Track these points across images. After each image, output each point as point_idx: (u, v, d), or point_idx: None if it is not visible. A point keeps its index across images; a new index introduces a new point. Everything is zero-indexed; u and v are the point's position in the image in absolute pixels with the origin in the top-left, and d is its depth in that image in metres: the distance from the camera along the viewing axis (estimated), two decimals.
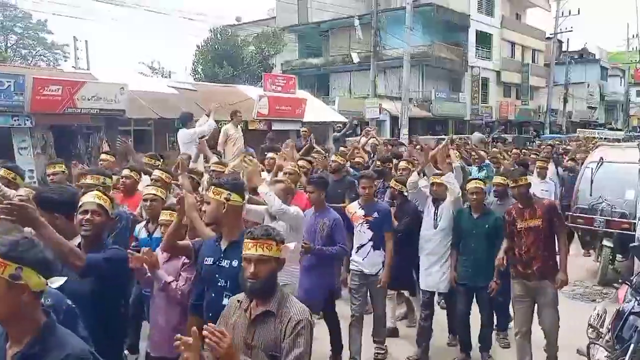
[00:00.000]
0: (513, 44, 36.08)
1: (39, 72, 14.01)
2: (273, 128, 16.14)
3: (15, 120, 11.68)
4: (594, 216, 7.51)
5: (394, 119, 23.36)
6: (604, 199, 7.49)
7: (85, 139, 13.36)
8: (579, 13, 35.03)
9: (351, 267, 5.03)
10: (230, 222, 2.91)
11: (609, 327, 3.92)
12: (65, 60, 35.36)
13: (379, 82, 22.57)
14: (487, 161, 8.38)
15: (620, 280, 4.30)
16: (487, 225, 4.88)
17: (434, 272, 5.00)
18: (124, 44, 64.32)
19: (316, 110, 19.52)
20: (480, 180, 5.23)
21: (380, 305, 5.04)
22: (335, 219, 4.67)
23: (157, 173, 5.08)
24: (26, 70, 14.01)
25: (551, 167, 8.52)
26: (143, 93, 14.66)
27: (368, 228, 4.87)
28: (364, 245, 4.89)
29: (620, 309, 3.81)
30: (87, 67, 25.20)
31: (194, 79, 24.54)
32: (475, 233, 4.87)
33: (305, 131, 9.58)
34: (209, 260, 2.94)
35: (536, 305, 4.58)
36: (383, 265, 4.86)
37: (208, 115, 8.51)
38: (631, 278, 4.04)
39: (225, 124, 9.23)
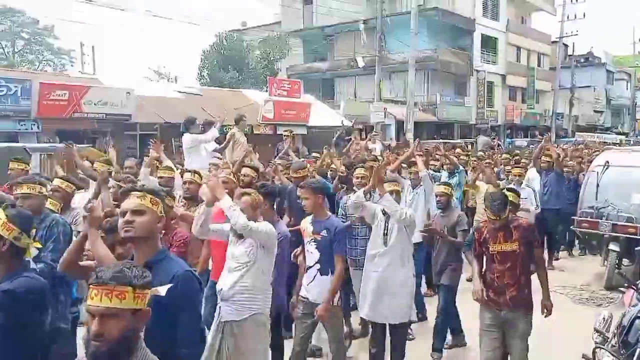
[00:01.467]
0: (519, 47, 36.00)
1: (46, 77, 14.13)
2: (278, 132, 16.18)
3: (22, 125, 11.81)
4: (600, 220, 7.47)
5: (399, 123, 23.34)
6: (610, 202, 7.44)
7: (92, 143, 13.44)
8: (584, 17, 34.97)
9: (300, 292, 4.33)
10: (155, 239, 2.42)
11: (615, 331, 3.89)
12: (72, 66, 35.64)
13: (384, 86, 22.56)
14: (460, 167, 8.25)
15: (626, 285, 4.24)
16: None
17: (386, 301, 4.29)
18: (130, 49, 64.72)
19: (321, 114, 19.57)
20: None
21: (334, 341, 4.25)
22: (284, 232, 4.26)
23: (56, 182, 4.50)
24: (33, 75, 14.13)
25: (532, 172, 8.84)
26: (149, 98, 14.77)
27: (315, 248, 4.13)
28: (311, 267, 4.17)
29: (626, 313, 3.78)
30: (93, 72, 25.37)
31: (200, 84, 24.64)
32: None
33: (287, 135, 9.31)
34: None
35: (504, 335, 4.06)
36: None
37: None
38: (637, 282, 4.01)
39: (231, 128, 9.23)
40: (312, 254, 4.16)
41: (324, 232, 4.10)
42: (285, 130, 10.10)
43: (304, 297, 4.22)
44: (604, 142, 23.37)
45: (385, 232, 4.39)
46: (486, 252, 4.04)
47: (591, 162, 9.39)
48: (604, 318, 4.35)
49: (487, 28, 32.03)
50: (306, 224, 4.24)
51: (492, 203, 3.92)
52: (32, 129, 11.94)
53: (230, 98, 17.61)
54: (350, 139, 10.53)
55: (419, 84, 25.47)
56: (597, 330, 4.21)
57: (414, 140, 11.57)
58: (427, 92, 28.73)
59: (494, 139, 20.54)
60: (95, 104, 12.52)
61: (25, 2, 27.12)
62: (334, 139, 10.35)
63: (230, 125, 9.33)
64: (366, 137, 12.90)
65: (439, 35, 28.29)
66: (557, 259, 9.00)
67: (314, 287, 4.14)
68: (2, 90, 11.21)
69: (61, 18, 35.90)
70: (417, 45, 20.89)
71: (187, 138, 7.77)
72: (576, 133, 28.95)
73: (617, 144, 23.23)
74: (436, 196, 5.31)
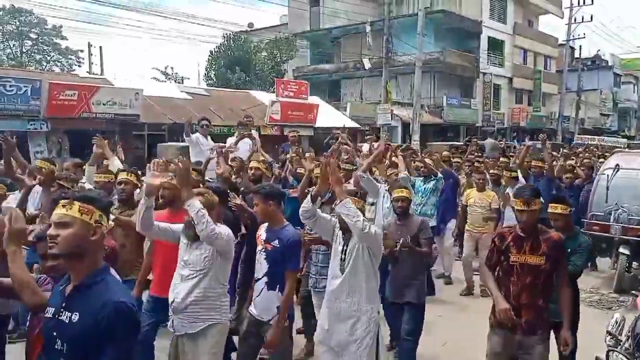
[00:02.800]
0: (525, 50, 35.92)
1: (55, 77, 14.22)
2: (285, 133, 16.21)
3: (31, 125, 11.88)
4: (610, 223, 7.44)
5: (406, 125, 23.33)
6: (620, 205, 7.41)
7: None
8: (591, 20, 34.86)
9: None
10: (91, 255, 2.04)
11: (629, 334, 3.87)
12: (80, 66, 35.83)
13: (390, 88, 22.55)
14: (439, 174, 7.21)
15: (639, 288, 4.22)
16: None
17: (342, 331, 3.59)
18: (138, 49, 65.05)
19: (327, 116, 19.59)
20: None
21: None
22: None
23: None
24: (42, 75, 14.22)
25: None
26: (157, 98, 14.84)
27: (264, 258, 3.68)
28: (259, 280, 3.70)
29: None
30: (100, 73, 25.51)
31: (207, 85, 24.73)
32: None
33: (293, 136, 8.99)
34: (49, 312, 2.06)
35: None
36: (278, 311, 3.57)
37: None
38: None
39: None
40: (261, 265, 3.69)
41: (275, 242, 3.63)
42: (291, 131, 10.05)
43: (251, 313, 3.75)
44: (609, 146, 22.41)
45: (344, 254, 3.59)
46: (505, 262, 3.50)
47: (590, 167, 9.20)
48: (616, 321, 4.32)
49: (493, 30, 31.97)
50: (261, 231, 3.78)
51: (523, 191, 3.51)
52: (41, 128, 12.02)
53: (237, 99, 17.67)
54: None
55: (425, 86, 25.45)
56: (609, 333, 4.19)
57: (409, 143, 11.31)
58: (433, 94, 28.71)
59: (500, 141, 20.45)
60: (104, 104, 12.59)
61: (33, 3, 27.18)
62: (326, 140, 9.90)
63: (234, 126, 9.33)
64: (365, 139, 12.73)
65: (445, 38, 28.27)
66: None
67: (260, 302, 3.67)
68: (12, 90, 11.29)
69: (69, 18, 36.25)
70: (424, 47, 20.89)
71: (193, 136, 7.83)
72: (575, 135, 28.14)
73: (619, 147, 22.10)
74: (395, 201, 4.66)
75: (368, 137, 12.39)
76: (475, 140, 15.73)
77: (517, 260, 3.47)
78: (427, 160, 7.34)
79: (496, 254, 3.59)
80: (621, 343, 4.01)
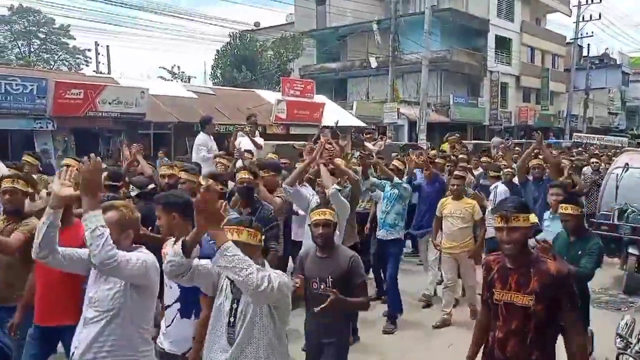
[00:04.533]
0: (533, 48, 35.68)
1: (61, 76, 14.26)
2: (291, 132, 16.18)
3: (37, 124, 11.91)
4: (619, 223, 7.34)
5: (412, 124, 23.24)
6: (629, 205, 7.31)
7: (106, 142, 13.55)
8: (600, 18, 34.58)
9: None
10: None
11: (639, 336, 3.80)
12: (87, 65, 35.99)
13: (397, 86, 22.48)
14: (396, 179, 6.09)
15: None
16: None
17: None
18: (145, 49, 65.32)
19: (334, 114, 19.52)
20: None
21: None
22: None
23: None
24: (48, 74, 14.26)
25: (502, 186, 7.44)
26: (163, 97, 14.85)
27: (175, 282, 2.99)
28: (170, 307, 3.11)
29: None
30: (108, 72, 25.61)
31: (213, 84, 24.75)
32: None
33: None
34: None
35: None
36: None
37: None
38: None
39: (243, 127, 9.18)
40: (171, 289, 3.07)
41: None
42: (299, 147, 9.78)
43: (160, 347, 3.09)
44: (610, 145, 20.87)
45: (233, 315, 2.59)
46: (490, 300, 2.76)
47: (579, 168, 8.86)
48: (626, 323, 4.24)
49: (501, 29, 31.78)
50: (167, 248, 2.91)
51: (502, 203, 2.75)
52: (47, 127, 12.04)
53: (243, 98, 17.66)
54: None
55: (432, 84, 25.34)
56: (619, 335, 4.11)
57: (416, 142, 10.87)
58: (440, 93, 28.58)
59: (507, 139, 20.29)
60: (110, 103, 12.60)
61: (41, 2, 27.32)
62: (314, 138, 9.60)
63: (241, 124, 9.30)
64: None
65: (452, 36, 28.12)
66: None
67: (172, 332, 3.06)
68: (18, 89, 11.32)
69: (77, 17, 36.45)
70: (431, 45, 20.79)
71: (200, 137, 7.76)
72: (574, 134, 26.62)
73: (620, 147, 19.77)
74: (313, 226, 3.43)
75: (368, 135, 12.30)
76: (456, 136, 15.22)
77: (501, 298, 2.68)
78: (397, 163, 6.44)
79: (486, 289, 2.83)
80: (631, 345, 3.94)
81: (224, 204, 2.69)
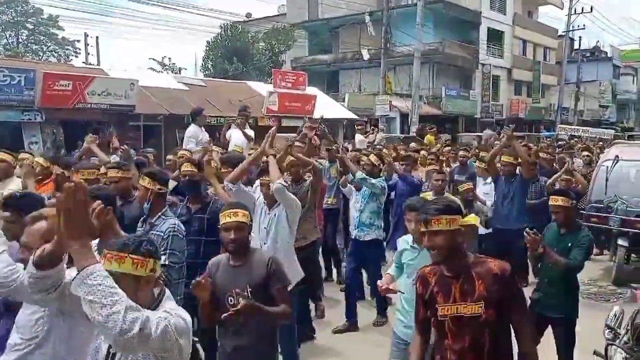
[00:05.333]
0: (525, 41, 35.74)
1: (49, 67, 14.08)
2: (283, 125, 16.12)
3: (25, 115, 11.76)
4: (609, 215, 7.38)
5: (404, 117, 23.23)
6: (619, 197, 7.35)
7: (96, 134, 13.40)
8: (591, 11, 34.68)
9: None
10: None
11: (628, 328, 3.82)
12: (76, 56, 35.57)
13: (389, 79, 22.43)
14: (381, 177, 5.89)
15: None
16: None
17: None
18: (135, 40, 64.74)
19: (326, 107, 19.46)
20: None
21: None
22: None
23: None
24: (36, 65, 14.07)
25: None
26: (153, 89, 14.72)
27: None
28: None
29: None
30: (97, 63, 25.36)
31: (204, 75, 24.58)
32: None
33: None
34: None
35: None
36: None
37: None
38: None
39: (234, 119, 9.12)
40: None
41: None
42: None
43: None
44: (596, 138, 20.49)
45: None
46: (434, 318, 2.42)
47: (550, 161, 8.48)
48: (615, 314, 4.27)
49: (493, 21, 31.79)
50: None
51: (426, 205, 2.45)
52: (35, 119, 11.89)
53: (235, 90, 17.53)
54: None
55: (424, 77, 25.33)
56: (608, 327, 4.14)
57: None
58: (432, 85, 28.58)
59: (499, 132, 20.35)
60: (99, 95, 12.46)
61: None
62: (298, 130, 9.42)
63: (232, 117, 9.22)
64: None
65: (445, 28, 28.08)
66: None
67: None
68: (6, 80, 11.15)
69: (66, 7, 35.94)
70: (423, 38, 20.75)
71: (190, 129, 7.71)
72: (559, 126, 26.13)
73: (607, 140, 19.55)
74: (223, 230, 2.97)
75: (359, 127, 12.23)
76: (429, 128, 14.91)
77: (447, 313, 2.35)
78: (373, 158, 5.97)
79: (422, 309, 2.50)
80: (620, 336, 3.96)
81: (101, 209, 2.27)
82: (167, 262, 3.21)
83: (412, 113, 20.41)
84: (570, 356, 3.89)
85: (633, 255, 7.56)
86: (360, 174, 5.54)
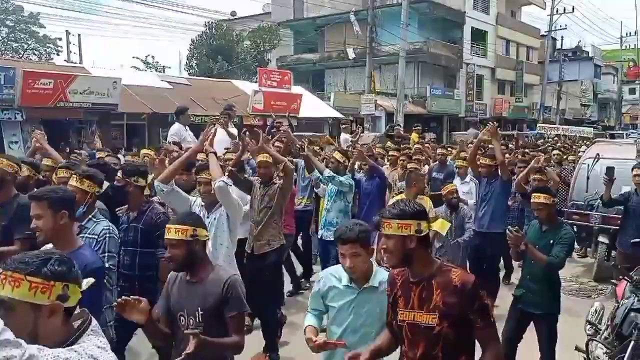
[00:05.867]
0: (508, 41, 36.09)
1: (30, 66, 13.87)
2: (268, 123, 16.07)
3: (5, 114, 11.58)
4: (590, 212, 7.49)
5: (390, 115, 23.31)
6: (600, 195, 7.45)
7: (78, 133, 13.25)
8: (573, 11, 35.17)
9: None
10: None
11: (608, 323, 3.88)
12: (58, 54, 35.04)
13: (374, 78, 22.50)
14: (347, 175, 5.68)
15: (619, 277, 4.21)
16: None
17: None
18: (118, 38, 64.00)
19: (311, 105, 19.47)
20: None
21: None
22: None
23: None
24: (16, 63, 13.85)
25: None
26: (136, 87, 14.59)
27: None
28: None
29: (620, 306, 3.77)
30: (79, 61, 25.04)
31: (189, 74, 24.40)
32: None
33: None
34: None
35: None
36: None
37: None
38: (631, 274, 4.00)
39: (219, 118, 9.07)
40: None
41: None
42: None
43: None
44: (576, 137, 20.40)
45: None
46: (394, 322, 2.35)
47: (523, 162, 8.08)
48: (596, 310, 4.34)
49: (477, 21, 32.05)
50: None
51: (386, 209, 2.34)
52: (16, 117, 11.71)
53: (219, 88, 17.44)
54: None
55: (409, 76, 25.45)
56: (589, 322, 4.21)
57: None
58: (417, 85, 28.73)
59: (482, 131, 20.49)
60: (80, 93, 12.30)
61: None
62: (268, 128, 8.89)
63: (217, 116, 9.18)
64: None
65: (429, 28, 28.24)
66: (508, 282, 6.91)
67: None
68: None
69: (47, 5, 35.43)
70: (408, 37, 20.83)
71: (174, 127, 7.66)
72: (539, 125, 26.01)
73: (588, 138, 19.13)
74: (169, 246, 2.68)
75: (344, 126, 12.24)
76: (398, 128, 14.82)
77: (404, 318, 2.28)
78: (337, 155, 5.73)
79: (390, 309, 2.42)
80: (600, 332, 4.03)
81: None
82: (108, 265, 3.03)
83: (398, 112, 20.50)
84: (552, 352, 3.93)
85: (613, 251, 7.68)
86: (328, 172, 5.39)
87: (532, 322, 4.06)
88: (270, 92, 17.48)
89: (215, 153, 4.00)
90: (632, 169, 6.16)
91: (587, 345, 3.90)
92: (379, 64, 25.56)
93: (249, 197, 4.97)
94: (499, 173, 5.91)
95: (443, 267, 2.25)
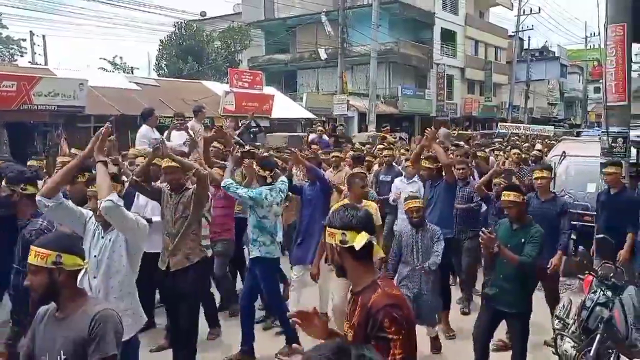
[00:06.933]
0: (477, 41, 36.71)
1: None
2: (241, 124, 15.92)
3: None
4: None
5: (362, 116, 23.42)
6: (566, 192, 7.61)
7: (43, 136, 12.90)
8: (539, 11, 35.96)
9: None
10: None
11: (575, 318, 3.95)
12: (22, 56, 34.05)
13: (346, 78, 22.57)
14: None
15: (586, 272, 4.30)
16: None
17: None
18: (84, 39, 62.60)
19: (284, 106, 19.39)
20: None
21: None
22: None
23: None
24: None
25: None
26: (104, 89, 14.31)
27: None
28: None
29: (586, 300, 3.84)
30: (45, 63, 24.40)
31: (158, 75, 24.02)
32: None
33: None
34: None
35: None
36: None
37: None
38: (597, 269, 4.08)
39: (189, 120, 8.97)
40: None
41: None
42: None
43: None
44: (538, 135, 20.38)
45: None
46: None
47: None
48: (564, 305, 4.42)
49: (446, 22, 32.49)
50: None
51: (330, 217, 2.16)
52: None
53: (189, 89, 17.21)
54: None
55: (380, 76, 25.60)
56: (557, 317, 4.28)
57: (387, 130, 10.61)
58: (388, 85, 28.95)
59: (454, 129, 20.79)
60: (45, 96, 11.97)
61: None
62: (239, 130, 8.70)
63: (189, 118, 9.06)
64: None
65: (400, 29, 28.50)
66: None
67: None
68: None
69: (9, 5, 34.32)
70: (379, 38, 20.96)
71: (142, 130, 7.53)
72: (499, 124, 26.03)
73: (548, 137, 19.45)
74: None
75: (317, 127, 12.26)
76: (341, 128, 14.53)
77: (345, 329, 2.18)
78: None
79: None
80: (568, 326, 4.10)
81: None
82: None
83: (370, 112, 20.59)
84: (524, 348, 3.99)
85: (580, 247, 7.84)
86: (226, 181, 4.77)
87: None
88: (242, 93, 17.33)
89: (105, 162, 3.30)
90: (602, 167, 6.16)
91: (555, 339, 3.97)
92: (350, 65, 25.66)
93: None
94: (443, 175, 5.70)
95: (374, 285, 2.04)
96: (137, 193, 4.94)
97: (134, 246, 3.34)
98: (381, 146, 9.28)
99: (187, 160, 4.65)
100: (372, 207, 4.78)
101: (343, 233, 2.04)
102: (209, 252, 4.95)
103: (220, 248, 5.52)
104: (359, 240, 2.02)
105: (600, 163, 6.52)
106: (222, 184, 4.80)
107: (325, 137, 11.59)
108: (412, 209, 4.86)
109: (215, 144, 6.12)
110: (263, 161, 5.09)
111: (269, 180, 4.85)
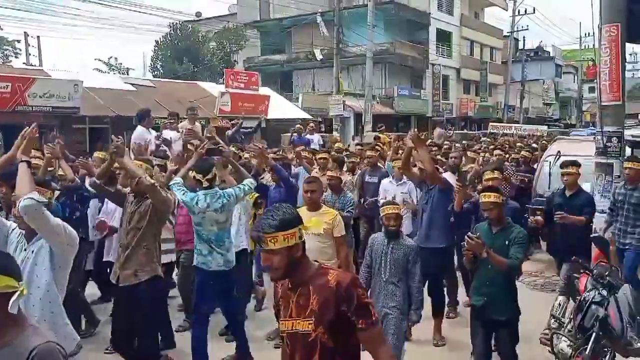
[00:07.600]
0: (472, 42, 36.81)
1: None
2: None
3: None
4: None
5: (358, 116, 23.43)
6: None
7: (38, 138, 12.84)
8: (534, 12, 36.09)
9: None
10: None
11: (571, 316, 3.96)
12: (17, 57, 33.92)
13: (342, 79, 22.59)
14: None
15: (581, 271, 4.31)
16: None
17: None
18: (80, 40, 62.48)
19: (280, 107, 19.40)
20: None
21: None
22: None
23: None
24: None
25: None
26: (99, 90, 14.29)
27: None
28: None
29: (582, 299, 3.85)
30: (39, 64, 24.32)
31: (153, 76, 23.99)
32: None
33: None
34: None
35: None
36: None
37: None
38: (592, 268, 4.09)
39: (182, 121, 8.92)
40: None
41: None
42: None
43: None
44: (530, 136, 20.04)
45: None
46: (281, 327, 2.22)
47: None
48: (559, 304, 4.42)
49: (441, 22, 32.57)
50: None
51: (260, 222, 2.09)
52: None
53: (185, 90, 17.21)
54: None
55: (376, 77, 25.63)
56: (553, 316, 4.28)
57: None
58: (384, 85, 28.99)
59: (449, 129, 20.85)
60: (40, 97, 11.96)
61: None
62: (232, 131, 8.54)
63: (182, 118, 9.01)
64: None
65: (395, 29, 28.54)
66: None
67: None
68: None
69: (3, 6, 34.21)
70: (374, 38, 20.99)
71: (137, 131, 7.50)
72: (490, 124, 26.00)
73: (541, 137, 18.84)
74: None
75: (312, 127, 12.19)
76: (378, 127, 14.41)
77: (284, 328, 2.16)
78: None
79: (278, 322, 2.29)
80: (564, 325, 4.11)
81: None
82: None
83: (366, 112, 20.61)
84: (514, 352, 3.97)
85: None
86: (174, 180, 4.46)
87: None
88: (238, 94, 17.32)
89: (29, 162, 2.95)
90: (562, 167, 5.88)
91: (551, 338, 3.98)
92: (346, 65, 25.69)
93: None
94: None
95: (320, 270, 2.10)
96: (105, 199, 4.83)
97: (60, 259, 2.87)
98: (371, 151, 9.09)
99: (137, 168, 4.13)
100: (330, 214, 4.41)
101: (299, 228, 2.07)
102: (173, 257, 4.87)
103: (184, 259, 5.22)
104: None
105: (597, 162, 6.55)
106: (170, 183, 4.45)
107: (309, 136, 11.51)
108: (389, 216, 4.18)
109: (192, 142, 5.92)
110: (197, 164, 4.55)
111: (205, 184, 4.28)
